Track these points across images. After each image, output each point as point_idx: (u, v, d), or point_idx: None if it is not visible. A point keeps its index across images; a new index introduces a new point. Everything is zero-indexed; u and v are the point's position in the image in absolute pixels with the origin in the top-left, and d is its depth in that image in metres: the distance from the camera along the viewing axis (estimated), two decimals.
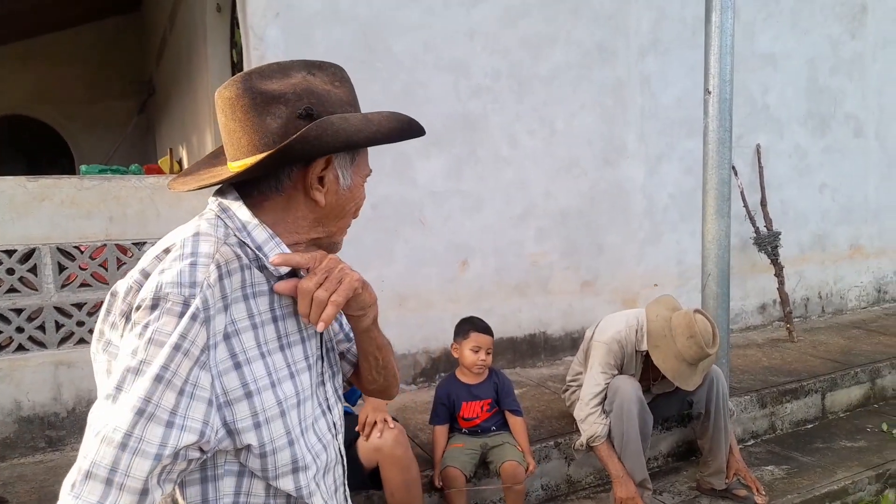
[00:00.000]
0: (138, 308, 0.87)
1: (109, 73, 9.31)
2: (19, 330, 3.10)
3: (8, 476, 2.97)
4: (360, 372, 1.21)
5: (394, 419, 2.56)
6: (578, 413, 3.03)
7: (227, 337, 0.90)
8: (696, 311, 2.92)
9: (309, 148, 0.93)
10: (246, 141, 0.97)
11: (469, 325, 2.92)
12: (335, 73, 1.02)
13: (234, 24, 4.79)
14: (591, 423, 2.95)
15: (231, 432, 0.90)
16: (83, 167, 5.68)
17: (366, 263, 3.77)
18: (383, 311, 3.91)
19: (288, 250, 0.99)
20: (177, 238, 0.95)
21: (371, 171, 1.11)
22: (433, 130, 3.95)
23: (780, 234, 5.11)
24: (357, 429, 2.47)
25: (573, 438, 3.22)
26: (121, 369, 0.84)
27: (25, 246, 3.09)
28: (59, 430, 3.21)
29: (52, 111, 9.57)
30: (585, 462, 3.25)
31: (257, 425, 0.92)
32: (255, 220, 0.98)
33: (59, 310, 3.19)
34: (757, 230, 5.11)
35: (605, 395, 2.98)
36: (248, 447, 0.92)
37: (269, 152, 0.93)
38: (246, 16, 3.51)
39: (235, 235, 0.97)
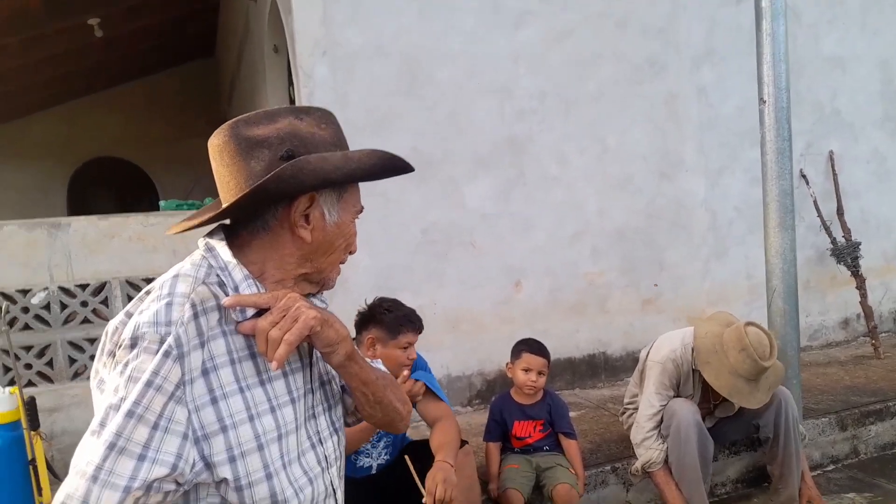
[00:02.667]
0: (120, 347, 0.91)
1: (188, 115, 9.90)
2: (93, 358, 3.30)
3: None
4: (357, 406, 1.22)
5: (464, 441, 2.53)
6: (634, 436, 2.92)
7: (205, 373, 0.94)
8: (749, 323, 2.77)
9: (284, 186, 0.96)
10: (234, 184, 1.01)
11: (523, 346, 2.91)
12: (322, 116, 1.05)
13: (289, 63, 5.02)
14: (646, 448, 2.83)
15: (208, 465, 0.93)
16: (162, 203, 6.05)
17: (417, 288, 3.82)
18: (436, 335, 3.95)
19: (263, 289, 1.02)
20: (159, 281, 1.00)
21: (362, 207, 1.12)
22: (479, 154, 3.98)
23: (859, 244, 4.79)
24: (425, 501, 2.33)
25: (631, 463, 3.10)
26: (104, 406, 0.89)
27: (97, 280, 3.31)
28: None
29: (138, 152, 10.26)
30: (645, 488, 3.12)
31: (232, 459, 0.94)
32: (234, 261, 1.02)
33: None
34: (834, 241, 4.81)
35: (662, 417, 2.87)
36: (225, 480, 0.94)
37: (246, 192, 0.97)
38: (295, 55, 3.67)
39: (217, 275, 1.00)
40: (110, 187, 10.81)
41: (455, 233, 3.96)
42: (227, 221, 1.09)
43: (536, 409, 2.87)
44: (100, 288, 3.32)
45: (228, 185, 1.02)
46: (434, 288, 3.90)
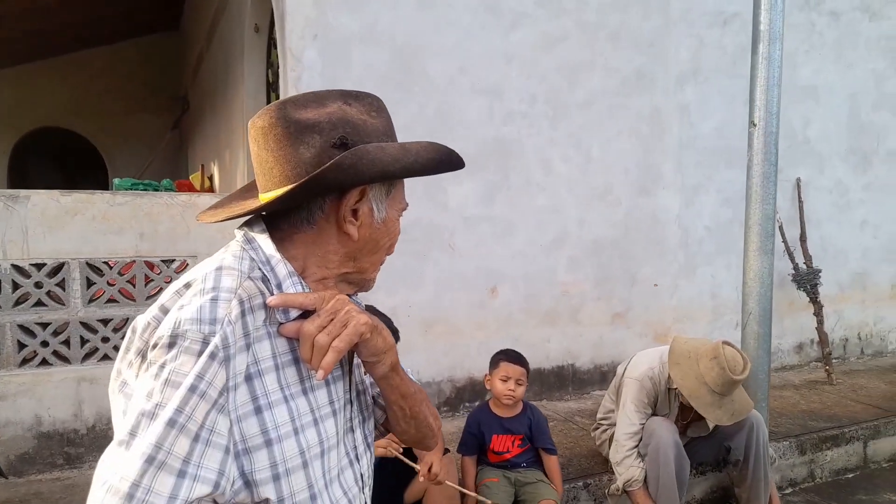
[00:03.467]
0: (155, 346, 0.80)
1: (145, 89, 9.49)
2: (44, 344, 3.08)
3: (25, 492, 2.93)
4: (390, 420, 1.12)
5: (445, 450, 2.52)
6: (614, 455, 2.90)
7: (248, 378, 0.84)
8: (725, 342, 2.79)
9: (343, 177, 0.87)
10: (278, 171, 0.91)
11: (501, 356, 2.86)
12: (372, 103, 0.97)
13: (271, 44, 4.82)
14: (627, 467, 2.82)
15: (248, 483, 0.83)
16: (116, 181, 5.74)
17: (394, 287, 3.71)
18: (409, 337, 3.85)
19: (307, 288, 0.93)
20: (199, 272, 0.89)
21: (407, 205, 1.05)
22: (466, 154, 3.85)
23: (820, 271, 4.94)
24: (420, 477, 2.38)
25: (603, 479, 3.09)
26: (135, 413, 0.77)
27: (55, 260, 3.07)
28: (78, 447, 3.16)
29: (88, 124, 9.76)
30: None
31: (276, 477, 0.85)
32: (278, 255, 0.92)
33: (84, 325, 3.17)
34: (796, 266, 4.95)
35: (641, 436, 2.85)
36: (266, 501, 0.84)
37: (302, 181, 0.88)
38: (284, 37, 3.51)
39: (260, 269, 0.91)
40: (55, 160, 10.26)
41: (436, 233, 3.87)
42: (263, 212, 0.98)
43: (516, 423, 2.81)
44: (57, 268, 3.08)
45: (272, 172, 0.92)
46: (410, 289, 3.80)
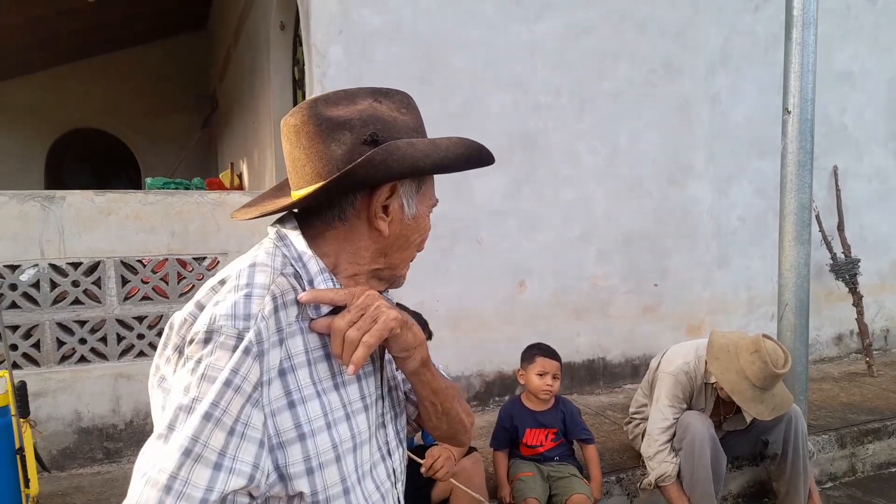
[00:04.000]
0: (191, 342, 0.82)
1: (175, 88, 9.62)
2: (82, 341, 3.15)
3: (67, 486, 3.01)
4: (421, 417, 1.12)
5: (472, 448, 2.50)
6: (646, 450, 2.86)
7: (282, 373, 0.85)
8: (765, 335, 2.73)
9: (374, 173, 0.88)
10: (310, 168, 0.93)
11: (536, 350, 2.83)
12: (402, 100, 0.98)
13: (296, 41, 4.85)
14: (659, 462, 2.78)
15: (283, 477, 0.84)
16: (148, 180, 5.84)
17: (421, 283, 3.71)
18: (437, 332, 3.82)
19: (337, 284, 0.94)
20: (233, 269, 0.90)
21: (437, 200, 1.05)
22: (492, 148, 3.83)
23: (858, 260, 4.80)
24: (423, 469, 2.33)
25: (637, 474, 3.05)
26: (173, 407, 0.79)
27: (91, 258, 3.14)
28: (116, 441, 3.24)
29: (121, 124, 9.95)
30: (650, 500, 3.07)
31: (310, 471, 0.86)
32: (310, 252, 0.93)
33: (120, 322, 3.23)
34: (834, 256, 4.82)
35: (675, 431, 2.81)
36: (301, 495, 0.85)
37: (334, 177, 0.88)
38: (309, 34, 3.52)
39: (292, 265, 0.92)
40: (90, 160, 10.49)
41: (462, 228, 3.86)
42: (296, 210, 1.00)
43: (549, 417, 2.79)
44: (93, 267, 3.15)
45: (304, 170, 0.93)
46: (437, 284, 3.80)
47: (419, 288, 3.74)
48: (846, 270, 4.77)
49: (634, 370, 4.29)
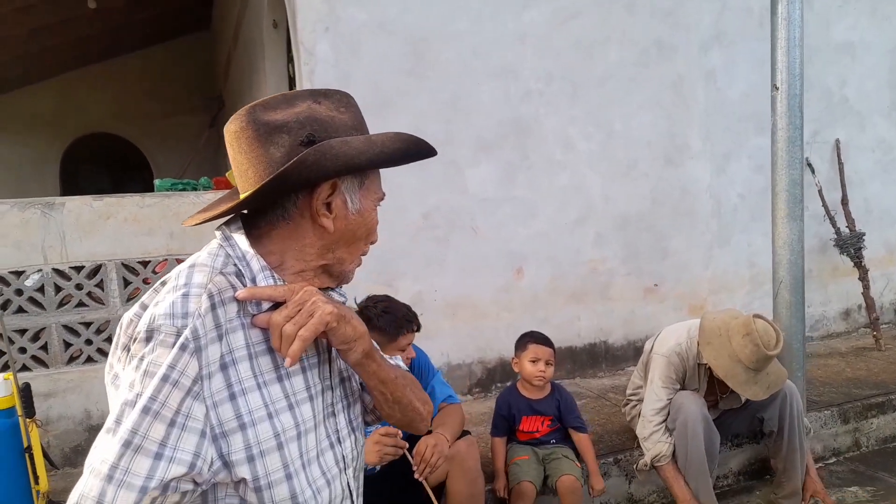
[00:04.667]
0: (135, 340, 0.87)
1: (183, 89, 9.72)
2: (88, 342, 3.25)
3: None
4: (375, 405, 1.17)
5: (466, 432, 2.52)
6: (641, 431, 2.89)
7: (223, 367, 0.90)
8: (757, 315, 2.72)
9: (307, 173, 0.92)
10: (252, 172, 0.97)
11: (528, 338, 2.86)
12: (340, 99, 1.01)
13: (289, 39, 4.89)
14: (654, 442, 2.80)
15: (227, 464, 0.89)
16: (157, 181, 5.93)
17: (417, 273, 3.76)
18: (435, 322, 3.89)
19: (281, 281, 0.98)
20: (175, 271, 0.95)
21: (384, 194, 1.07)
22: (483, 137, 3.90)
23: (863, 234, 4.75)
24: (414, 465, 2.29)
25: (634, 454, 3.08)
26: (119, 402, 0.85)
27: (92, 262, 3.23)
28: None
29: (131, 127, 10.08)
30: (647, 480, 3.10)
31: (251, 458, 0.91)
32: (252, 251, 0.98)
33: None
34: (838, 231, 4.77)
35: (668, 411, 2.83)
36: (243, 480, 0.91)
37: (267, 180, 0.92)
38: (297, 31, 3.56)
39: (235, 264, 0.97)
40: (104, 164, 10.66)
41: (456, 217, 3.89)
42: (245, 211, 1.04)
43: (545, 405, 2.81)
44: (95, 270, 3.24)
45: (247, 174, 0.98)
46: (434, 274, 3.84)
47: (416, 278, 3.79)
48: (851, 244, 4.72)
49: (637, 352, 4.29)
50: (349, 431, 1.10)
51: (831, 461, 3.52)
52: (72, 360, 3.24)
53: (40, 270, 3.14)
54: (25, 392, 2.43)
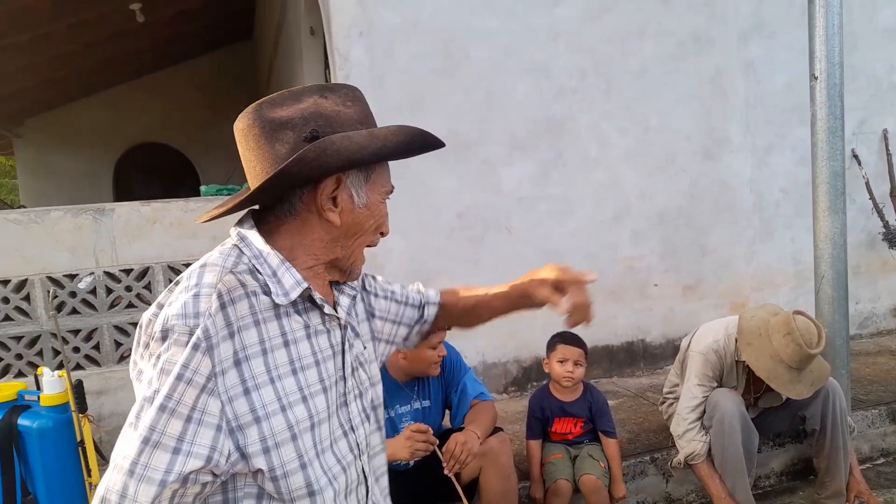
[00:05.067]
0: (153, 339, 0.91)
1: (227, 98, 9.98)
2: None
3: None
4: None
5: (498, 428, 2.53)
6: (675, 428, 2.85)
7: (237, 363, 0.93)
8: (797, 311, 2.65)
9: (307, 170, 0.94)
10: (260, 169, 0.99)
11: (557, 338, 2.84)
12: (347, 93, 1.02)
13: (326, 44, 5.00)
14: (688, 440, 2.77)
15: (244, 456, 0.93)
16: (202, 188, 6.14)
17: (452, 273, 3.79)
18: None
19: (298, 273, 1.01)
20: (188, 271, 0.99)
21: (392, 187, 1.09)
22: (516, 136, 3.91)
23: None
24: (445, 471, 2.29)
25: (671, 453, 3.05)
26: (139, 398, 0.90)
27: (140, 265, 3.38)
28: None
29: (179, 136, 10.43)
30: (684, 479, 3.06)
31: (266, 450, 0.94)
32: (268, 248, 1.00)
33: None
34: (886, 224, 4.61)
35: (704, 409, 2.79)
36: (260, 471, 0.94)
37: (268, 177, 0.95)
38: (331, 37, 3.64)
39: (251, 262, 0.99)
40: (154, 172, 11.05)
41: (491, 216, 3.91)
42: (256, 207, 1.07)
43: (577, 407, 2.79)
44: (143, 273, 3.39)
45: (255, 170, 1.00)
46: (469, 273, 3.86)
47: (452, 278, 3.82)
48: None
49: (675, 350, 4.18)
50: (362, 419, 1.14)
51: (879, 462, 3.41)
52: (122, 359, 3.39)
53: (92, 273, 3.30)
54: (78, 389, 2.56)
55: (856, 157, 4.59)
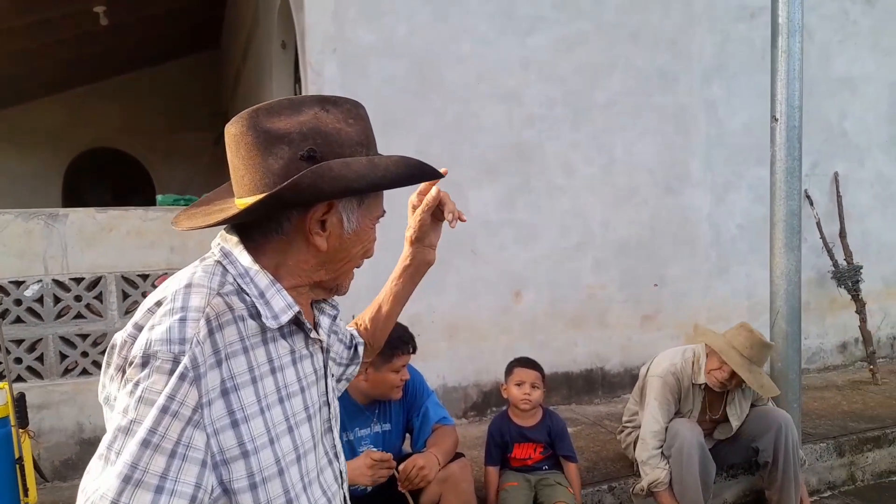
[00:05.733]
0: (131, 364, 0.84)
1: (189, 106, 9.82)
2: (84, 355, 3.25)
3: (69, 496, 3.08)
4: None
5: (460, 454, 2.51)
6: (640, 454, 2.88)
7: (224, 393, 0.86)
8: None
9: (301, 196, 0.89)
10: (248, 179, 0.93)
11: (514, 362, 2.87)
12: (350, 109, 0.96)
13: (297, 59, 4.96)
14: (652, 467, 2.79)
15: (227, 491, 0.87)
16: (159, 197, 5.98)
17: (416, 294, 3.74)
18: (433, 343, 3.90)
19: (286, 294, 0.96)
20: (169, 290, 0.91)
21: (384, 212, 1.04)
22: (486, 160, 3.94)
23: (861, 267, 4.76)
24: (399, 486, 2.30)
25: (629, 482, 3.06)
26: (112, 427, 0.81)
27: (93, 274, 3.24)
28: None
29: (137, 143, 10.17)
30: None
31: (253, 486, 0.88)
32: (256, 266, 0.94)
33: None
34: (836, 263, 4.79)
35: (666, 436, 2.83)
36: None
37: (260, 198, 0.89)
38: (305, 52, 3.62)
39: (236, 282, 0.92)
40: (106, 178, 10.72)
41: (456, 239, 3.89)
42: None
43: (536, 432, 2.78)
44: (95, 282, 3.25)
45: (243, 180, 0.94)
46: (433, 295, 3.85)
47: (415, 299, 3.75)
48: (848, 277, 4.73)
49: (633, 379, 4.27)
50: (343, 445, 1.11)
51: (826, 494, 3.49)
52: (67, 371, 3.24)
53: (40, 281, 3.16)
54: (20, 402, 2.43)
55: (808, 197, 4.78)
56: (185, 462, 0.81)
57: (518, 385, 2.75)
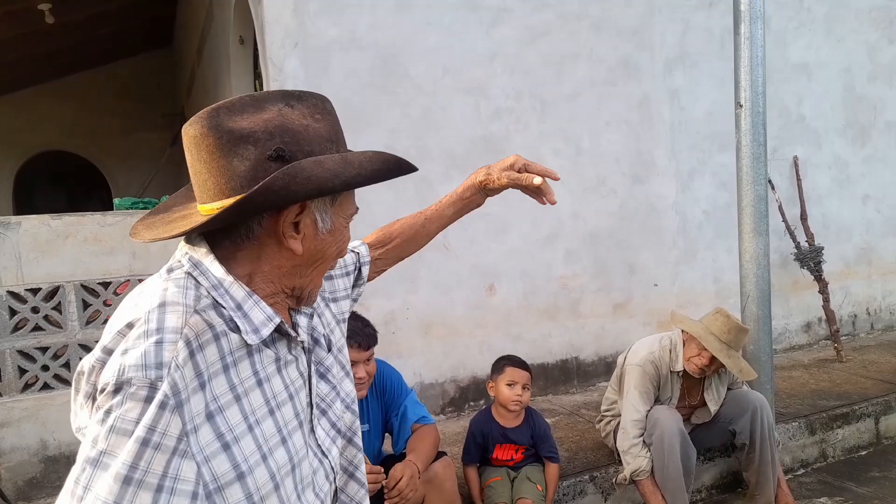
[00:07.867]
0: (102, 391, 0.77)
1: (144, 107, 9.53)
2: (44, 368, 3.10)
3: None
4: None
5: (442, 453, 2.48)
6: (621, 443, 2.88)
7: (210, 416, 0.80)
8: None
9: (273, 199, 0.83)
10: (212, 184, 0.87)
11: (505, 361, 2.81)
12: (316, 104, 0.91)
13: (256, 55, 4.83)
14: (634, 456, 2.81)
15: None
16: (116, 201, 5.75)
17: (390, 291, 3.71)
18: (408, 340, 3.85)
19: (265, 305, 0.90)
20: (141, 309, 0.82)
21: (357, 209, 0.99)
22: (454, 154, 3.90)
23: (822, 248, 4.88)
24: (385, 483, 2.25)
25: (610, 471, 3.07)
26: (81, 458, 0.74)
27: (50, 284, 3.10)
28: None
29: (89, 145, 9.82)
30: (623, 496, 3.09)
31: None
32: (230, 277, 0.87)
33: (83, 347, 3.19)
34: (798, 245, 4.90)
35: (646, 424, 2.85)
36: None
37: (229, 205, 0.83)
38: (265, 47, 3.51)
39: (210, 295, 0.86)
40: (59, 183, 10.35)
41: None
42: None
43: (519, 433, 2.75)
44: (53, 292, 3.11)
45: (206, 184, 0.87)
46: (407, 291, 3.80)
47: (389, 296, 3.74)
48: (810, 258, 4.84)
49: (607, 368, 4.32)
50: (332, 441, 1.04)
51: (800, 472, 3.57)
52: (27, 387, 3.09)
53: None
54: None
55: (770, 182, 4.85)
56: (174, 496, 0.74)
57: (510, 385, 2.71)
